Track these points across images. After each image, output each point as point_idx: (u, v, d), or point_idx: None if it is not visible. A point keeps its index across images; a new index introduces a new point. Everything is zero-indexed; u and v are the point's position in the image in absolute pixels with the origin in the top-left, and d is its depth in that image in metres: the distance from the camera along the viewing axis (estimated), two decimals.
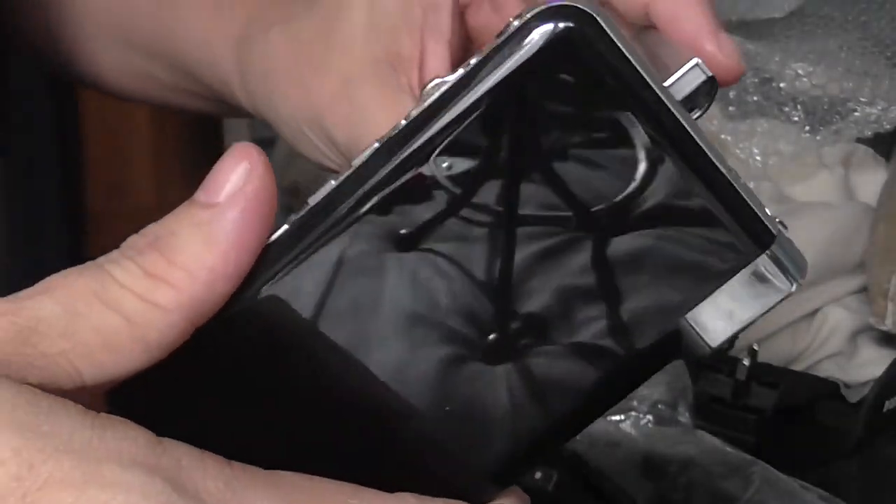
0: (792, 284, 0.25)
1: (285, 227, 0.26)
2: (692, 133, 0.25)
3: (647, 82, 0.25)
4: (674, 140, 0.25)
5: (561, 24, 0.25)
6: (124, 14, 0.54)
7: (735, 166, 0.81)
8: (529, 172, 0.26)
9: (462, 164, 0.26)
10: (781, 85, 0.82)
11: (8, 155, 0.59)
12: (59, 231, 0.67)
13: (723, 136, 0.81)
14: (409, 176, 0.25)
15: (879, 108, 0.80)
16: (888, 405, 0.60)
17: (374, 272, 0.26)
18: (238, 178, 0.24)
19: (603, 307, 0.26)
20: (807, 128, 0.81)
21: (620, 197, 0.26)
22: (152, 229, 0.25)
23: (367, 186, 0.25)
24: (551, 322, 0.26)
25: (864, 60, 0.83)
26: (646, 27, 0.37)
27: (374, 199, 0.25)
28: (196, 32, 0.50)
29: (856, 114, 0.81)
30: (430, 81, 0.27)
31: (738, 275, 0.25)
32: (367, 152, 0.26)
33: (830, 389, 0.68)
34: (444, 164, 0.26)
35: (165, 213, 0.26)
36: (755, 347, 0.58)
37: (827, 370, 0.71)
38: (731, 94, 0.82)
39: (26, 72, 0.62)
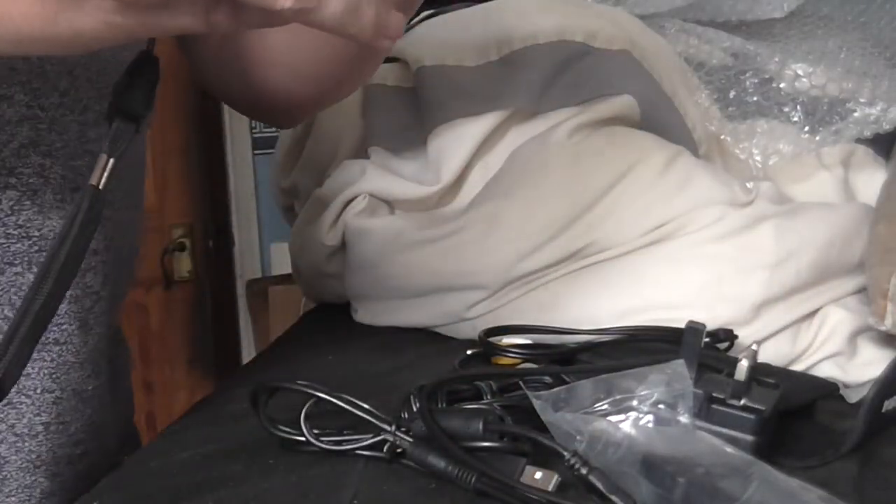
0: None
1: None
2: None
3: None
4: None
5: None
6: None
7: (735, 166, 0.81)
8: None
9: None
10: (781, 85, 0.82)
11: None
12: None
13: (723, 137, 0.81)
14: None
15: (879, 108, 0.80)
16: (888, 405, 0.60)
17: None
18: None
19: None
20: (806, 128, 0.81)
21: None
22: None
23: None
24: None
25: (864, 61, 0.83)
26: None
27: None
28: None
29: (855, 114, 0.81)
30: None
31: None
32: None
33: (830, 389, 0.68)
34: None
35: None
36: (755, 347, 0.58)
37: (827, 370, 0.71)
38: (731, 94, 0.82)
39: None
